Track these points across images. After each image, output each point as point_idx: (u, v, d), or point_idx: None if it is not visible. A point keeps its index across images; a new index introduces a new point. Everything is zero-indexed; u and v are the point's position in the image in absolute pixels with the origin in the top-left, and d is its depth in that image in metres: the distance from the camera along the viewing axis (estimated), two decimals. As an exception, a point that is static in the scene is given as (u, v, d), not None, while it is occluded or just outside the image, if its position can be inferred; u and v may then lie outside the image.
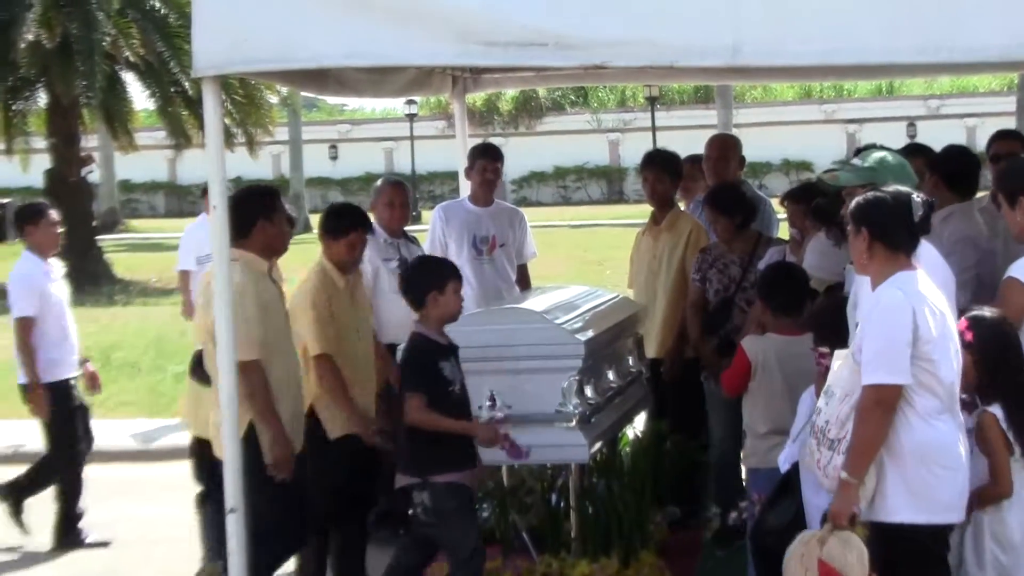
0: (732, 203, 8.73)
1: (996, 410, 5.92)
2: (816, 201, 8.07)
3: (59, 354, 9.85)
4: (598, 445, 7.88)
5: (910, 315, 5.53)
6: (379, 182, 9.68)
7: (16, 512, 10.03)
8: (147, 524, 10.35)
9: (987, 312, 5.95)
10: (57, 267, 10.11)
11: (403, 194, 9.44)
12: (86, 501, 10.08)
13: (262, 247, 7.30)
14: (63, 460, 10.03)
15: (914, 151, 8.39)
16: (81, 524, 9.98)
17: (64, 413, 9.90)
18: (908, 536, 5.66)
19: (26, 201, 10.68)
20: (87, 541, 9.88)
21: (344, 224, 8.00)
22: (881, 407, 5.54)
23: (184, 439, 12.84)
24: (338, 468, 7.67)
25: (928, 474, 5.61)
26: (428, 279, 7.10)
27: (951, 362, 5.68)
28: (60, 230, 10.08)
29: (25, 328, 9.63)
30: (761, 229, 9.11)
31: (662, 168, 9.47)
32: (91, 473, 12.08)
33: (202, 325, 7.20)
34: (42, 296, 9.75)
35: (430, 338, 7.04)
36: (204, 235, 9.01)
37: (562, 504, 8.16)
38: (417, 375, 6.95)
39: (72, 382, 9.96)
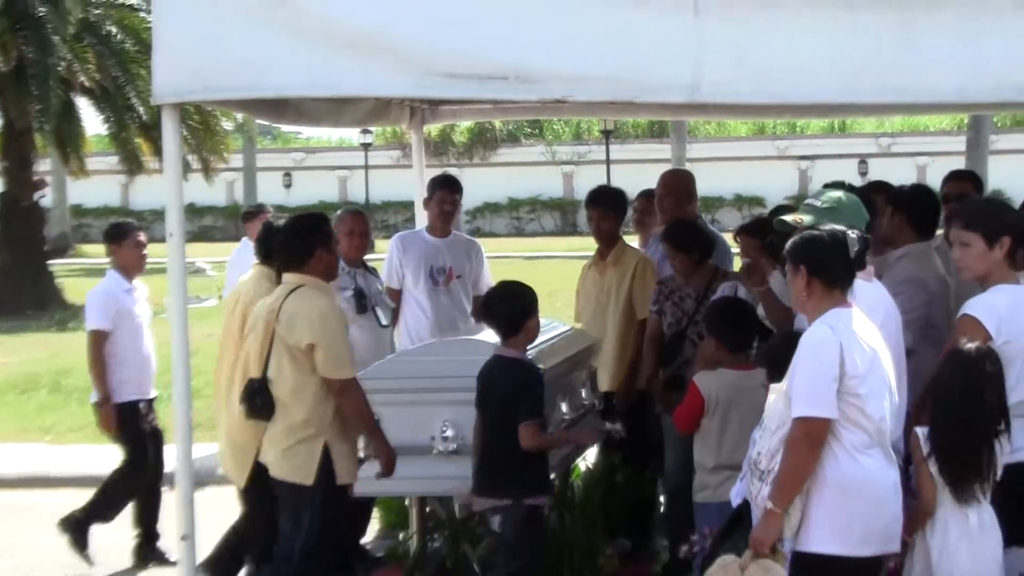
0: (689, 239, 8.75)
1: (922, 430, 6.04)
2: (769, 239, 8.12)
3: (132, 374, 9.81)
4: (551, 477, 7.89)
5: (837, 351, 5.64)
6: (340, 211, 9.68)
7: (80, 544, 9.87)
8: (98, 551, 10.25)
9: (969, 345, 6.03)
10: (141, 288, 10.05)
11: (363, 224, 9.43)
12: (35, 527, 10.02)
13: (320, 274, 7.35)
14: (139, 480, 9.96)
15: (876, 188, 8.48)
16: (160, 543, 9.91)
17: (135, 433, 9.87)
18: (830, 567, 5.75)
19: (116, 220, 10.51)
20: (170, 560, 9.57)
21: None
22: (808, 440, 5.64)
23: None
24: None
25: (850, 507, 5.71)
26: (530, 304, 7.28)
27: (881, 398, 5.77)
28: (145, 251, 10.03)
29: (97, 342, 9.59)
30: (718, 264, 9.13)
31: (607, 207, 9.44)
32: (41, 499, 12.08)
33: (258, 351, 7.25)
34: (119, 313, 9.70)
35: (528, 362, 7.23)
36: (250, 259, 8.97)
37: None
38: (536, 401, 7.11)
39: (143, 405, 9.90)
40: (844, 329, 5.70)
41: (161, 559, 9.79)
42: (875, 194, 7.71)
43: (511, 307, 7.26)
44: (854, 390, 5.65)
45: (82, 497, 12.04)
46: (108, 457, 13.24)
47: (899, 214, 7.71)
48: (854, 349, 5.67)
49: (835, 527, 5.71)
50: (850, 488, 5.69)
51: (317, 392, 7.08)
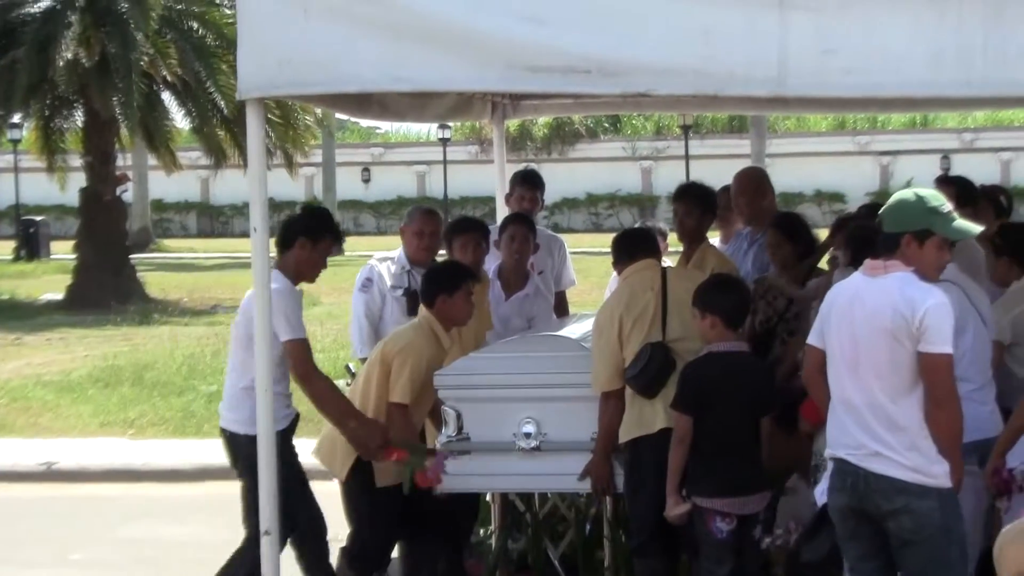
0: (798, 231, 8.63)
1: None
2: (851, 226, 8.03)
3: None
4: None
5: None
6: (410, 209, 9.56)
7: None
8: (179, 544, 10.35)
9: None
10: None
11: (435, 224, 9.21)
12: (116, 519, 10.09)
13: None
14: None
15: (945, 182, 8.41)
16: None
17: None
18: None
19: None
20: None
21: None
22: None
23: (214, 458, 12.96)
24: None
25: None
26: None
27: None
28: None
29: None
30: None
31: (693, 202, 8.94)
32: (123, 492, 12.19)
33: None
34: None
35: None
36: None
37: (595, 532, 8.12)
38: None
39: None
40: None
41: None
42: (940, 187, 7.60)
43: (740, 297, 7.17)
44: None
45: (163, 491, 12.21)
46: (189, 451, 13.43)
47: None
48: None
49: None
50: None
51: None
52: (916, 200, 5.93)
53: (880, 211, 6.05)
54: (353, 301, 8.89)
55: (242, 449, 7.51)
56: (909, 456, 5.73)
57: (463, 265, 8.26)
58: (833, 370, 6.00)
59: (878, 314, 5.75)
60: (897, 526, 5.77)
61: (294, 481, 7.58)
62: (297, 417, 7.79)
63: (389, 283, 8.98)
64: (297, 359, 7.51)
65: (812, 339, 6.16)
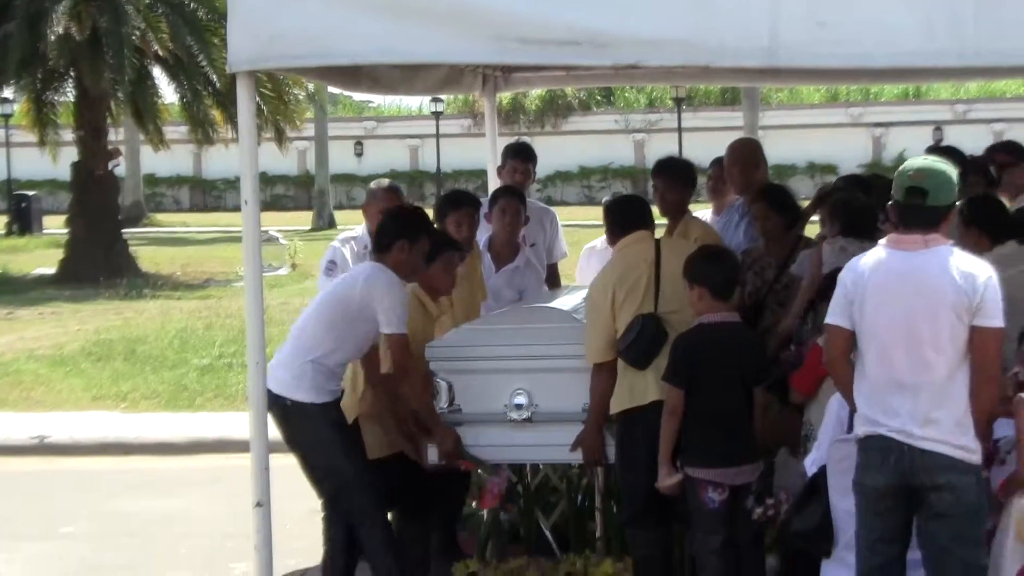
0: (786, 199, 8.64)
1: None
2: (834, 197, 8.02)
3: None
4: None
5: None
6: (371, 186, 9.49)
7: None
8: (170, 518, 10.36)
9: None
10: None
11: (397, 200, 9.07)
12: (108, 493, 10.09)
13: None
14: None
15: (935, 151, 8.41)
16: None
17: None
18: None
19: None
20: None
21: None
22: None
23: (206, 432, 13.00)
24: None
25: None
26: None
27: None
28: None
29: None
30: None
31: (674, 176, 8.97)
32: (114, 466, 12.20)
33: None
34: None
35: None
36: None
37: (587, 503, 8.15)
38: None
39: None
40: None
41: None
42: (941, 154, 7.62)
43: (728, 268, 7.11)
44: None
45: (155, 464, 12.22)
46: (181, 425, 13.43)
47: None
48: None
49: None
50: None
51: None
52: (955, 170, 5.89)
53: (922, 187, 5.88)
54: (319, 284, 8.83)
55: (305, 417, 7.44)
56: (956, 432, 5.69)
57: (444, 234, 8.23)
58: (876, 348, 5.84)
59: (939, 290, 5.67)
60: (938, 498, 5.71)
61: (340, 445, 7.56)
62: (342, 393, 7.73)
63: (352, 264, 8.91)
64: (399, 352, 7.43)
65: (837, 319, 5.97)
